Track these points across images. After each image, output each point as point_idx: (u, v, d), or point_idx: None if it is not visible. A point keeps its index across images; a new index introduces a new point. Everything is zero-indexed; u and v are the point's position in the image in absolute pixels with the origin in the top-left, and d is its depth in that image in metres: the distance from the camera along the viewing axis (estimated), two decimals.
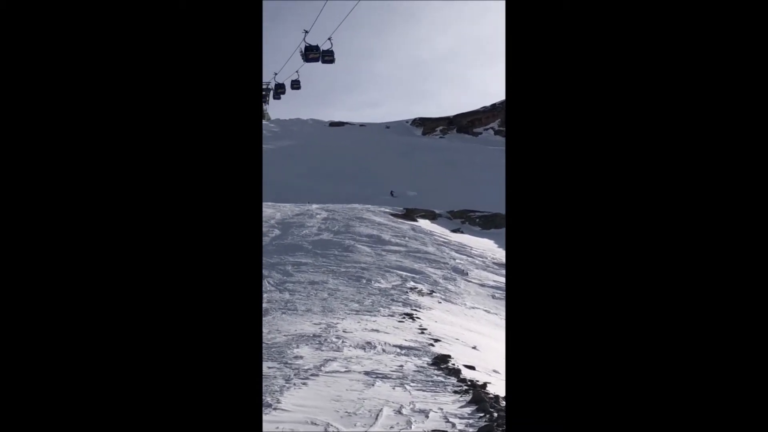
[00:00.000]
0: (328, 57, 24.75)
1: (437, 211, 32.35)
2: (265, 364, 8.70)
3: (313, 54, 25.60)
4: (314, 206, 28.63)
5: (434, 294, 17.26)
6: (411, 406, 6.89)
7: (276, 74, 33.98)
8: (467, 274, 20.20)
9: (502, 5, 3.44)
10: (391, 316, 13.50)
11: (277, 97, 34.61)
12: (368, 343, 10.39)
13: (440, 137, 65.30)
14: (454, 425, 6.22)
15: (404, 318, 13.33)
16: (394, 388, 7.68)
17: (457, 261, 21.51)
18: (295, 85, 30.50)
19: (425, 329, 12.26)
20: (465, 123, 67.28)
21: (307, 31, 25.14)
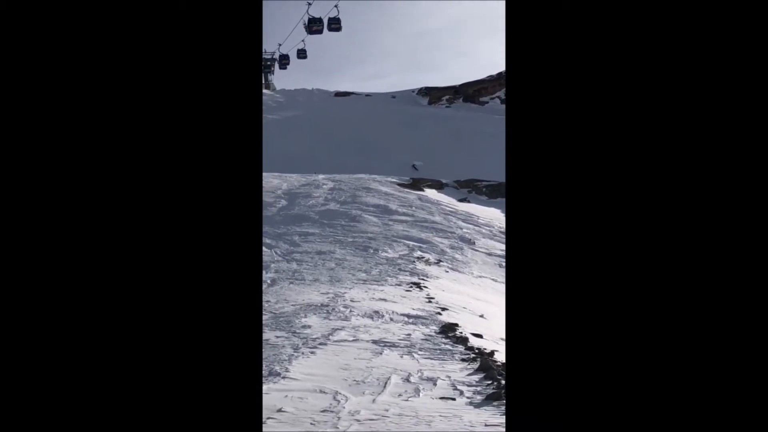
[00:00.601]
0: (334, 25, 24.54)
1: (444, 181, 32.27)
2: (273, 333, 8.76)
3: (316, 26, 25.45)
4: (320, 176, 28.59)
5: (441, 263, 17.28)
6: (419, 374, 6.93)
7: (280, 45, 33.76)
8: (474, 243, 20.21)
9: None
10: (399, 285, 13.55)
11: (282, 67, 34.43)
12: (376, 312, 10.43)
13: (446, 107, 64.94)
14: (462, 393, 6.25)
15: (411, 287, 13.38)
16: (402, 357, 7.73)
17: (463, 230, 21.51)
18: (301, 54, 30.31)
19: (432, 298, 12.30)
20: (471, 92, 66.84)
21: (310, 3, 24.98)
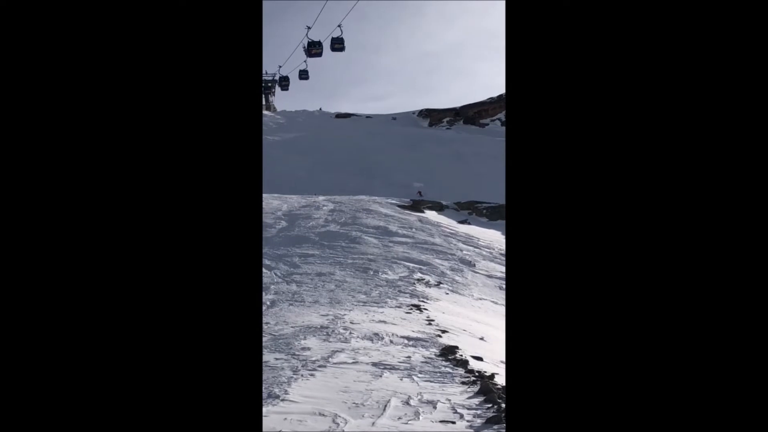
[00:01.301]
0: (338, 45, 24.67)
1: (444, 203, 32.34)
2: (272, 356, 8.72)
3: (315, 49, 25.66)
4: (321, 198, 28.64)
5: (441, 285, 17.25)
6: (419, 397, 6.89)
7: (280, 67, 33.98)
8: (474, 265, 20.19)
9: None
10: (399, 307, 13.51)
11: (284, 88, 34.64)
12: (376, 334, 10.40)
13: (447, 128, 65.20)
14: (462, 416, 6.22)
15: (411, 309, 13.34)
16: (401, 379, 7.69)
17: (464, 252, 21.50)
18: (303, 75, 30.46)
19: (433, 320, 12.26)
20: (471, 114, 67.13)
21: (309, 27, 25.22)
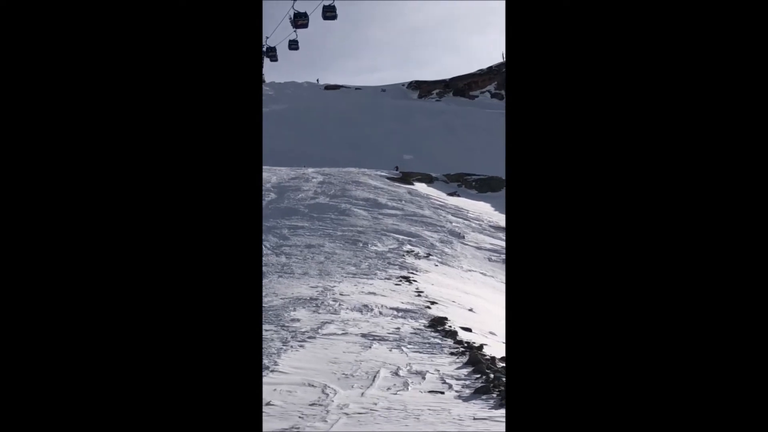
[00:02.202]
0: (330, 13, 24.36)
1: (434, 175, 32.33)
2: (262, 327, 8.75)
3: (301, 20, 25.43)
4: (310, 170, 28.57)
5: (431, 257, 17.30)
6: (408, 367, 6.93)
7: (267, 38, 33.70)
8: (463, 237, 20.25)
9: None
10: (388, 279, 13.55)
11: (273, 59, 34.33)
12: (365, 305, 10.43)
13: (436, 100, 65.00)
14: (450, 386, 6.26)
15: (401, 281, 13.39)
16: (390, 350, 7.73)
17: (453, 224, 21.55)
18: (293, 45, 30.11)
19: (422, 292, 12.31)
20: (461, 86, 66.90)
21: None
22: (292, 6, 24.79)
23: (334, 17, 24.67)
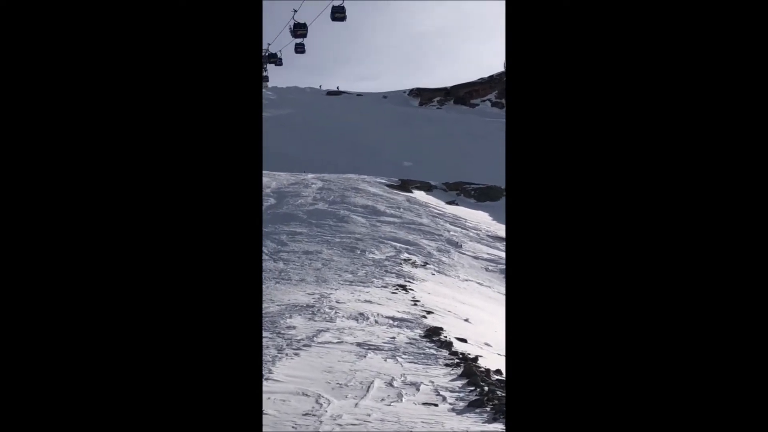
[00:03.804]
0: (338, 14, 24.39)
1: (432, 183, 32.29)
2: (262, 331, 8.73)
3: (300, 31, 25.72)
4: (310, 176, 28.57)
5: (428, 266, 17.30)
6: (402, 378, 6.93)
7: (269, 44, 33.85)
8: (461, 246, 20.23)
9: None
10: (385, 287, 13.54)
11: (279, 63, 34.45)
12: (361, 314, 10.43)
13: (437, 108, 65.02)
14: (444, 399, 6.26)
15: (397, 289, 13.38)
16: (386, 360, 7.73)
17: (451, 233, 21.53)
18: (300, 48, 30.08)
19: (418, 301, 12.30)
20: (462, 94, 66.92)
21: (296, 10, 25.24)
22: (293, 17, 24.98)
23: (343, 18, 24.71)
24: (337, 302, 11.25)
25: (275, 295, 11.83)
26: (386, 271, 15.44)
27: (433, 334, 9.30)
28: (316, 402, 6.00)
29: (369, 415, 5.67)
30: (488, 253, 19.93)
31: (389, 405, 6.01)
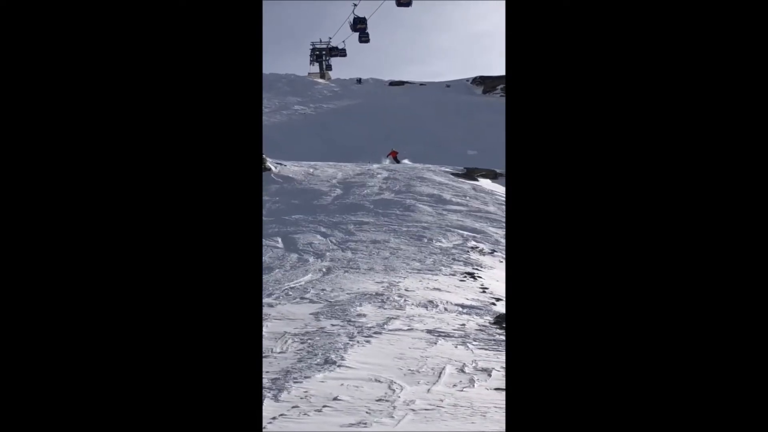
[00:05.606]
0: (336, 53, 25.09)
1: (498, 171, 32.05)
2: (328, 322, 8.85)
3: (360, 24, 26.04)
4: (375, 166, 28.67)
5: (495, 253, 17.19)
6: (473, 364, 6.94)
7: (330, 38, 34.43)
8: None
9: None
10: (453, 275, 13.53)
11: (343, 54, 35.00)
12: (430, 301, 10.45)
13: (501, 96, 64.38)
14: None
15: (466, 277, 13.35)
16: (456, 347, 7.74)
17: None
18: (363, 38, 30.25)
19: (487, 288, 12.27)
20: None
21: (356, 4, 25.65)
22: (353, 11, 25.31)
23: (409, 3, 24.86)
24: (406, 290, 11.30)
25: (344, 284, 11.94)
26: (454, 259, 15.41)
27: (502, 320, 9.27)
28: (389, 388, 6.06)
29: (442, 400, 5.69)
30: None
31: (461, 390, 6.03)
